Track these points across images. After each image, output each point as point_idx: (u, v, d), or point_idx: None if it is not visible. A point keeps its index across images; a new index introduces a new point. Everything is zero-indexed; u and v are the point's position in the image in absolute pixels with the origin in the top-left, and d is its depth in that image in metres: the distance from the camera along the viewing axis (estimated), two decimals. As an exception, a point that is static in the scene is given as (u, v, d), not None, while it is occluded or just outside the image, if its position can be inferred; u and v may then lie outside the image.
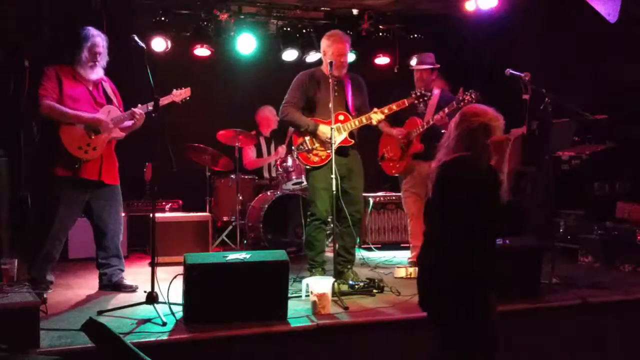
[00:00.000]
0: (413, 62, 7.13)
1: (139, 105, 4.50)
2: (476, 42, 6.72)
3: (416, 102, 4.81)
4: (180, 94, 4.70)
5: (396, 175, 5.48)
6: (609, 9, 5.38)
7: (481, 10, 6.43)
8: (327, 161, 4.65)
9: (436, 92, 5.35)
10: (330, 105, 4.42)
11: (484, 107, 2.94)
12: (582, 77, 6.01)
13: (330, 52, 4.68)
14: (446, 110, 5.00)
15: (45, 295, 3.85)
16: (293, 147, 4.81)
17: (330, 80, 4.45)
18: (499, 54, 6.49)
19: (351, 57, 7.18)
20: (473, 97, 4.90)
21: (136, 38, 4.10)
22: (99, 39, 4.42)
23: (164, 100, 4.51)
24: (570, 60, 6.20)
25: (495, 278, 2.83)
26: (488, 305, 2.78)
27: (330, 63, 4.53)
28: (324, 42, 4.76)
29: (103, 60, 4.47)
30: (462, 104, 4.93)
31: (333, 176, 4.34)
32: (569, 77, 5.97)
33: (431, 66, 5.36)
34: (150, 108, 4.38)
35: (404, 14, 7.29)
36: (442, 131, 5.12)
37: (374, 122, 4.71)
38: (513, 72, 4.63)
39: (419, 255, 3.01)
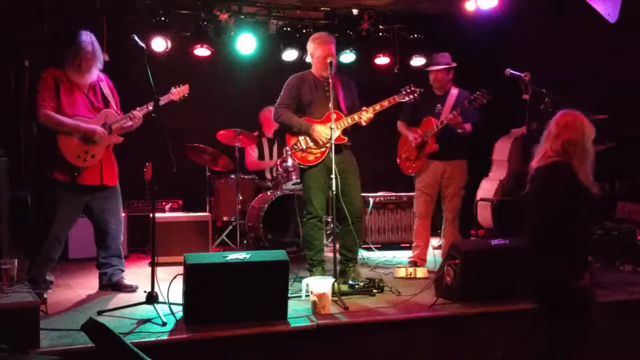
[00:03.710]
0: (414, 62, 7.15)
1: (138, 107, 4.48)
2: (476, 42, 6.71)
3: (406, 99, 4.81)
4: (178, 92, 4.67)
5: (412, 174, 5.50)
6: (609, 9, 5.38)
7: (481, 10, 6.43)
8: (321, 159, 4.72)
9: (454, 91, 5.34)
10: (330, 104, 4.47)
11: (584, 118, 3.12)
12: (582, 77, 5.99)
13: (317, 55, 4.79)
14: (458, 109, 5.01)
15: (45, 295, 3.85)
16: (287, 147, 4.86)
17: (315, 82, 4.54)
18: (499, 54, 6.48)
19: (351, 57, 7.26)
20: (484, 96, 4.91)
21: (136, 38, 4.09)
22: (85, 44, 4.29)
23: (163, 100, 4.48)
24: (570, 60, 6.19)
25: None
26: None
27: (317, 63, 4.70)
28: (310, 45, 4.86)
29: (95, 64, 4.37)
30: (473, 103, 4.95)
31: (333, 176, 4.36)
32: (569, 77, 5.96)
33: (447, 66, 5.34)
34: (150, 108, 4.36)
35: (404, 14, 7.29)
36: (459, 131, 5.15)
37: (364, 122, 4.73)
38: (513, 72, 4.64)
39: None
